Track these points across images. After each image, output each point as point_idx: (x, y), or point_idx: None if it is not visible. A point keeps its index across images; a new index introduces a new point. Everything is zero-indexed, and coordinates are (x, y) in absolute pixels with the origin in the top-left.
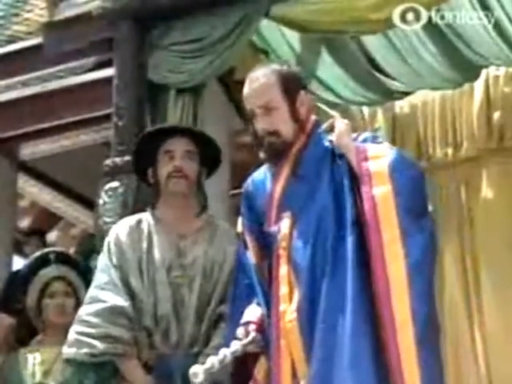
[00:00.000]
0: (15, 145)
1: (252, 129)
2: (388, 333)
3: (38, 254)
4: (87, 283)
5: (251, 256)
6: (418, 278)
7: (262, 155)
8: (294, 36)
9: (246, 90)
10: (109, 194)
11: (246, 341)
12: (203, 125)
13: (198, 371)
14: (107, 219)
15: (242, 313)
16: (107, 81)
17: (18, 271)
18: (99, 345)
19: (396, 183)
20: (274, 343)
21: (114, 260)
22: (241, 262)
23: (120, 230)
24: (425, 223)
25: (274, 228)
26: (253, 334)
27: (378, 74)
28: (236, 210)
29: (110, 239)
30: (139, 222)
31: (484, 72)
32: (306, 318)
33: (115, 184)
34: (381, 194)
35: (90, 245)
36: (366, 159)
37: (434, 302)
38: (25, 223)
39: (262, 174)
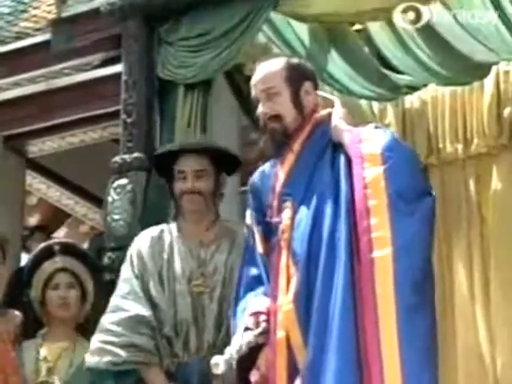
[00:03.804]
0: (23, 142)
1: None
2: (369, 320)
3: (42, 245)
4: (97, 276)
5: (259, 246)
6: (405, 264)
7: (264, 143)
8: (303, 32)
9: (253, 77)
10: (117, 191)
11: (257, 331)
12: (213, 121)
13: (219, 362)
14: (116, 216)
15: (244, 309)
16: (115, 77)
17: (24, 267)
18: (122, 353)
19: (388, 166)
20: (272, 335)
21: (136, 270)
22: (249, 253)
23: (142, 241)
24: (417, 207)
25: (276, 219)
26: (263, 325)
27: (385, 71)
28: (246, 206)
29: (132, 250)
30: (161, 232)
31: (494, 68)
32: (302, 308)
33: (124, 181)
34: (372, 175)
35: (102, 242)
36: (359, 141)
37: (425, 288)
38: (33, 220)
39: (268, 167)
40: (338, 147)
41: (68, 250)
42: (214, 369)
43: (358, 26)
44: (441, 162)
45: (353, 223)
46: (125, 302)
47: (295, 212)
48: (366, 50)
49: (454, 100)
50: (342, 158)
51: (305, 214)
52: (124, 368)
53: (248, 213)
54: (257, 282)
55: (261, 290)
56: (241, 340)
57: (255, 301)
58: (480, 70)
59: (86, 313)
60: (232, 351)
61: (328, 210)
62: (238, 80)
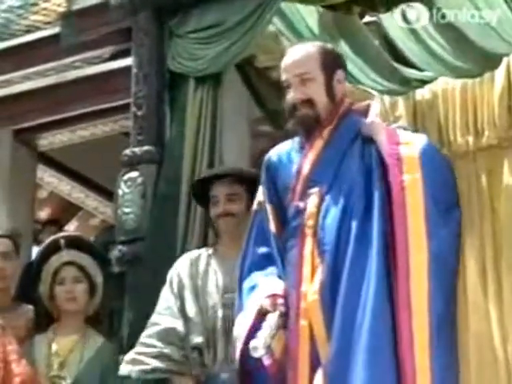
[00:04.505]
0: (34, 135)
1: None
2: (403, 319)
3: (49, 239)
4: (105, 269)
5: (271, 225)
6: (438, 271)
7: (291, 126)
8: (314, 24)
9: (285, 60)
10: (128, 184)
11: (278, 313)
12: (223, 114)
13: (258, 345)
14: (126, 209)
15: (253, 287)
16: (125, 71)
17: (33, 262)
18: (152, 362)
19: (426, 172)
20: (294, 323)
21: (175, 289)
22: (257, 231)
23: (181, 263)
24: (450, 217)
25: (299, 203)
26: (281, 309)
27: (396, 64)
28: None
29: (172, 271)
30: (200, 254)
31: (505, 59)
32: (328, 299)
33: (134, 174)
34: (410, 180)
35: (109, 236)
36: (397, 143)
37: (453, 295)
38: (44, 214)
39: (287, 147)
40: (367, 141)
41: (74, 243)
42: (253, 352)
43: (369, 18)
44: (452, 155)
45: (388, 225)
46: (159, 317)
47: (322, 199)
48: (377, 43)
49: (464, 92)
50: (375, 155)
51: (332, 203)
52: (153, 376)
53: (260, 189)
54: (266, 260)
55: (271, 270)
56: (268, 324)
57: (268, 282)
58: (491, 61)
59: (95, 305)
60: (265, 335)
61: (358, 203)
62: (248, 72)
